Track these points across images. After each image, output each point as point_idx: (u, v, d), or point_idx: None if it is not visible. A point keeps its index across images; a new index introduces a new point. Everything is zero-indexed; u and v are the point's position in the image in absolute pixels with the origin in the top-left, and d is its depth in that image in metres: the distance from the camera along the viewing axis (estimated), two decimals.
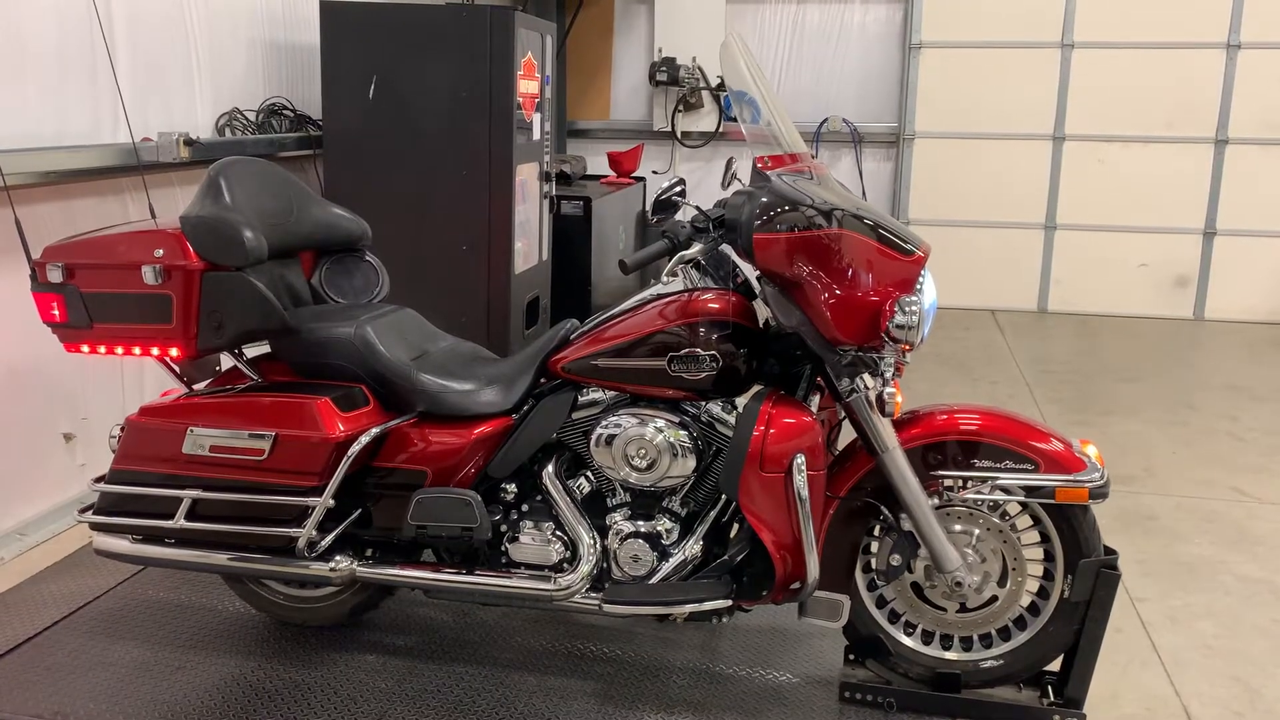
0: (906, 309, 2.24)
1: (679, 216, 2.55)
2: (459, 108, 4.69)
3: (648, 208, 7.36)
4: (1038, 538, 2.52)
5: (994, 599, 2.54)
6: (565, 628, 3.01)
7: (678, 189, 2.55)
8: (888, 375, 2.35)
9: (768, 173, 2.39)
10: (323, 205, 2.93)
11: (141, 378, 4.04)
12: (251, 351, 2.75)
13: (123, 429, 2.67)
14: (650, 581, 2.52)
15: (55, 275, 2.58)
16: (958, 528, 2.51)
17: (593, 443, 2.53)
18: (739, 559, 2.48)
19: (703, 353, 2.42)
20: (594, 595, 2.53)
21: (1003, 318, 7.58)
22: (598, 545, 2.54)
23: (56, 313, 2.61)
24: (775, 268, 2.33)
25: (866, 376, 2.37)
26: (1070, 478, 2.40)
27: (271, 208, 2.74)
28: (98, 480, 2.71)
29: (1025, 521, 2.52)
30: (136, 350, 2.58)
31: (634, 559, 2.52)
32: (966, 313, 7.65)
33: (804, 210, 2.28)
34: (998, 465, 2.43)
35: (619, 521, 2.55)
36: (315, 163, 5.16)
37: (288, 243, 2.78)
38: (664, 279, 2.42)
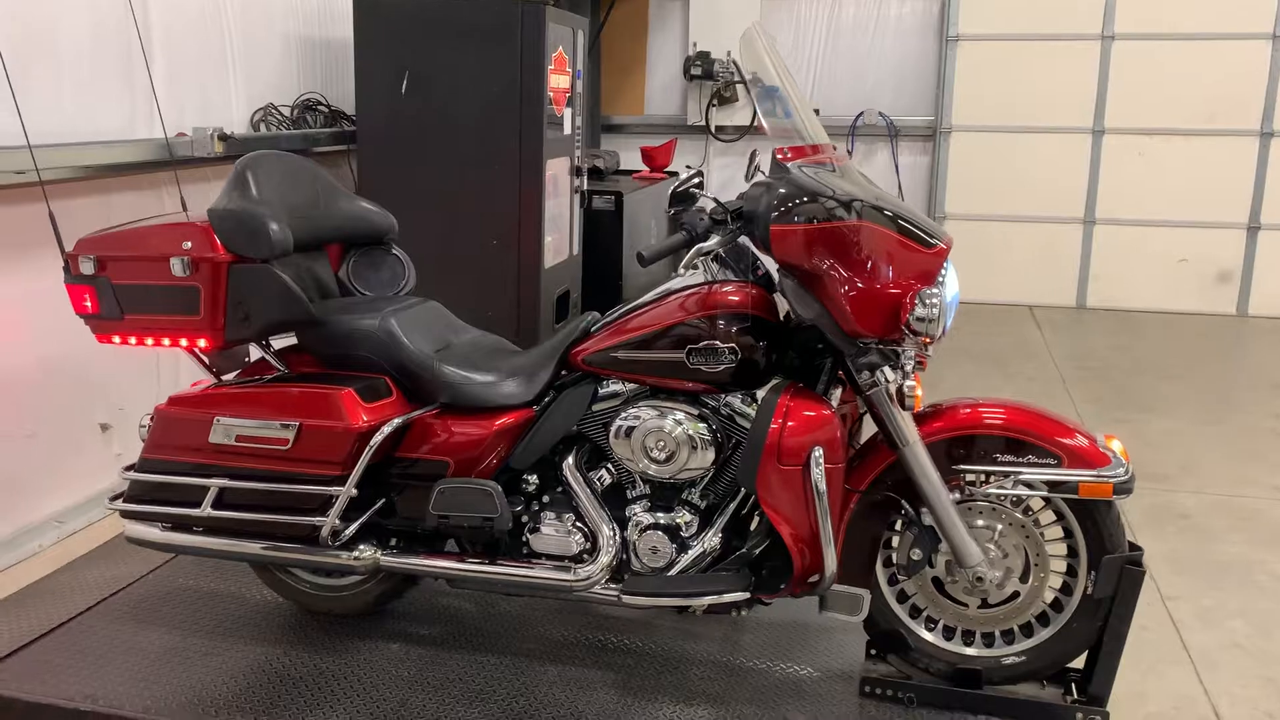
0: (927, 301, 2.22)
1: (699, 206, 2.54)
2: (490, 102, 4.72)
3: None
4: (1061, 533, 2.49)
5: (1016, 595, 2.52)
6: (585, 619, 3.02)
7: (695, 181, 2.55)
8: (908, 368, 2.33)
9: (787, 164, 2.38)
10: (349, 199, 2.96)
11: (177, 368, 4.11)
12: (279, 343, 2.79)
13: (152, 418, 2.72)
14: (669, 573, 2.52)
15: (87, 267, 2.63)
16: (980, 522, 2.48)
17: (612, 435, 2.53)
18: (757, 552, 2.47)
19: (722, 345, 2.42)
20: (613, 586, 2.55)
21: (1040, 314, 7.47)
22: (617, 537, 2.55)
23: (89, 304, 2.66)
24: (793, 260, 2.32)
25: (887, 369, 2.34)
26: (1094, 473, 2.36)
27: (298, 201, 2.77)
28: (128, 469, 2.75)
29: (1048, 517, 2.49)
30: (166, 341, 2.63)
31: (653, 551, 2.52)
32: (1003, 308, 7.56)
33: (822, 201, 2.27)
34: (1020, 460, 2.40)
35: (638, 513, 2.56)
36: (349, 158, 5.21)
37: (314, 235, 2.81)
38: (681, 271, 2.42)
